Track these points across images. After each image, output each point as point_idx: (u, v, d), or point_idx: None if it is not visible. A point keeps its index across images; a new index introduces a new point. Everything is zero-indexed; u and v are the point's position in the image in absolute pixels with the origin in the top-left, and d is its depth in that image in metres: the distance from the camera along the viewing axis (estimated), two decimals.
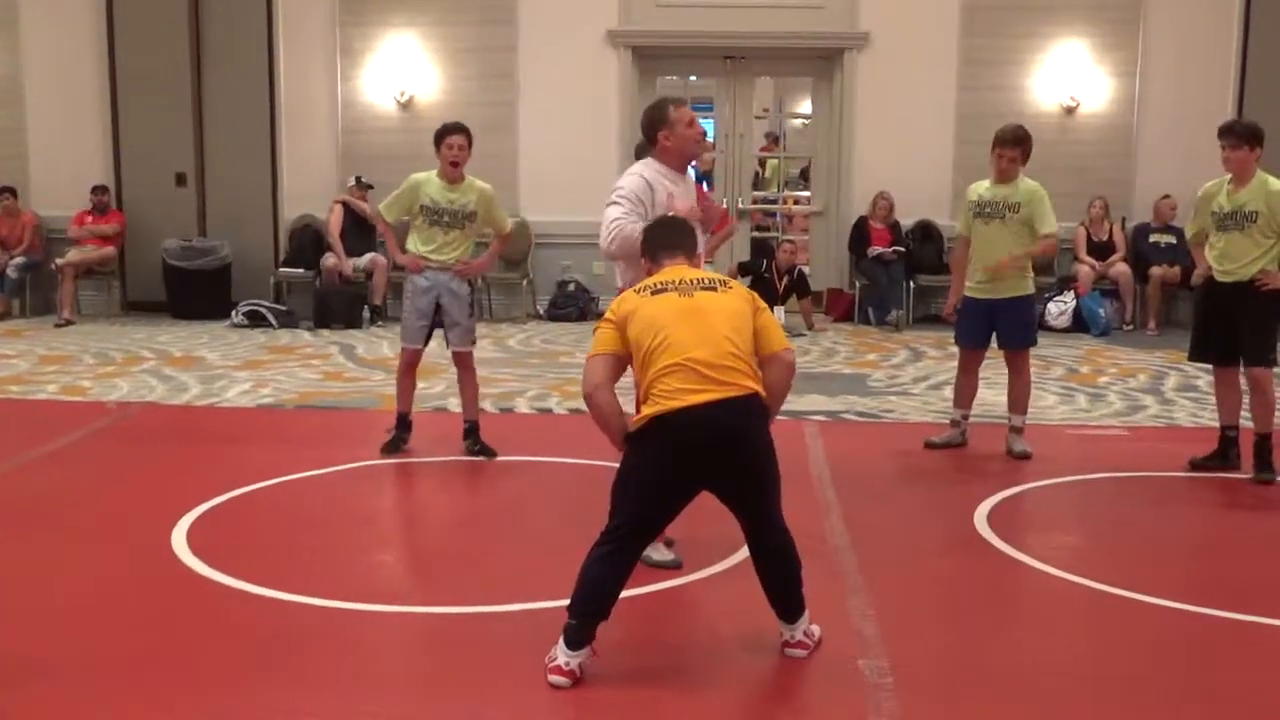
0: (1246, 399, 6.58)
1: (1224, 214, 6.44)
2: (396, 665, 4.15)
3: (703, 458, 3.81)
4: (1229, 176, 6.47)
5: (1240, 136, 6.38)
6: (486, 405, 8.25)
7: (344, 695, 3.79)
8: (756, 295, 4.14)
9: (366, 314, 11.88)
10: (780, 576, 4.02)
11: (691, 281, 4.05)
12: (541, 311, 12.59)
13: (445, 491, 6.39)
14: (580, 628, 3.82)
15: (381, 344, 10.80)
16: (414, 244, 6.62)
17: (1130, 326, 11.96)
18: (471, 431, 6.79)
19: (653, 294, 4.02)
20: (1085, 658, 4.15)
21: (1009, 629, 4.44)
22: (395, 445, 6.71)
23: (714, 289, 4.03)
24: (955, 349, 10.09)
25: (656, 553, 4.80)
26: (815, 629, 4.12)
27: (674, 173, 4.97)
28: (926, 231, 12.46)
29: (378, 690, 3.88)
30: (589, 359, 4.03)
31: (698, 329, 3.88)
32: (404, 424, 6.79)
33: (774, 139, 16.12)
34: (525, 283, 12.68)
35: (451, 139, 6.58)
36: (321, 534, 5.65)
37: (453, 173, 6.57)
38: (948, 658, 4.15)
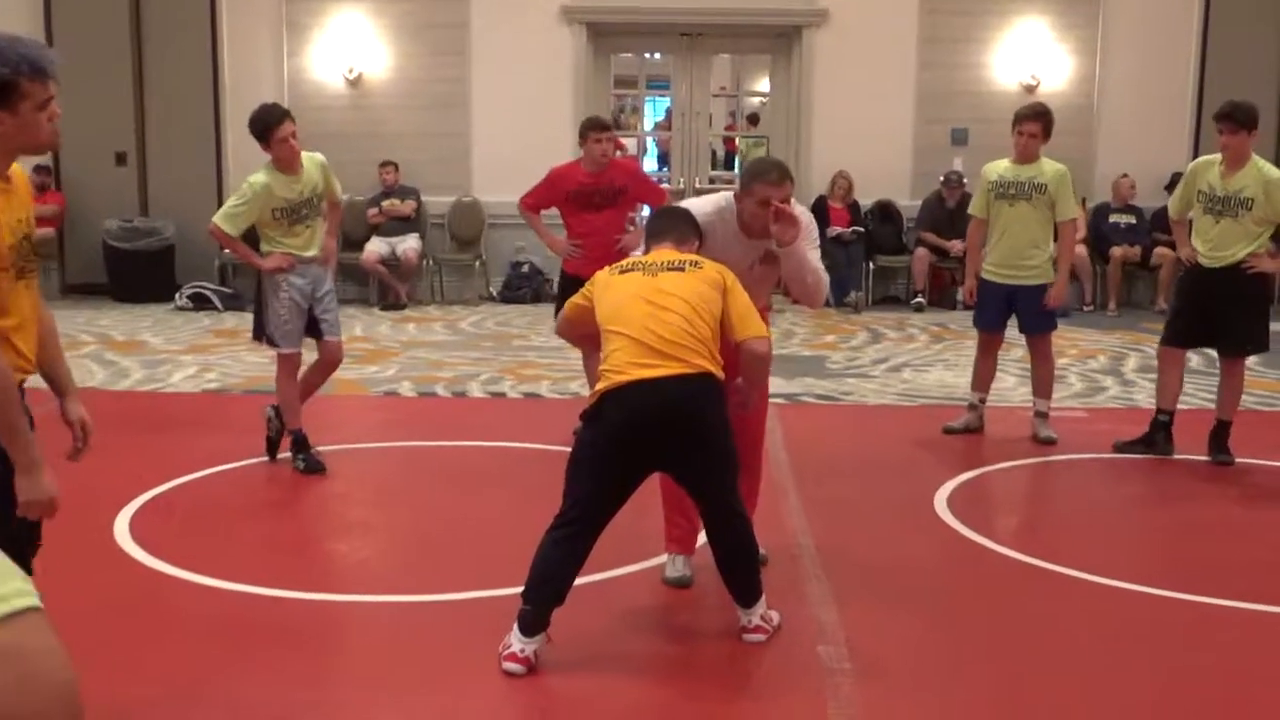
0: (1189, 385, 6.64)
1: (1215, 198, 6.35)
2: (350, 655, 4.15)
3: (650, 433, 3.83)
4: (1219, 156, 6.38)
5: (1240, 122, 6.26)
6: (438, 389, 8.24)
7: (297, 686, 3.79)
8: (732, 278, 4.09)
9: None
10: (735, 561, 4.04)
11: (661, 263, 4.09)
12: (494, 293, 12.55)
13: (397, 478, 6.37)
14: (535, 614, 3.83)
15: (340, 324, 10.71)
16: (271, 246, 6.12)
17: (1090, 308, 12.07)
18: (303, 443, 6.18)
19: (621, 273, 4.13)
20: (1045, 641, 4.20)
21: (969, 613, 4.48)
22: (315, 463, 6.13)
23: (681, 269, 4.05)
24: (914, 331, 10.11)
25: (672, 569, 4.60)
26: (774, 614, 4.15)
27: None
28: (886, 212, 12.52)
29: (331, 680, 3.87)
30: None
31: (654, 307, 3.92)
32: (303, 441, 6.19)
33: (753, 119, 16.07)
34: (478, 264, 12.64)
35: (282, 128, 6.00)
36: (271, 523, 5.63)
37: (293, 162, 6.07)
38: (907, 643, 4.19)
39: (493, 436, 6.89)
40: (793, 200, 4.40)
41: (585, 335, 4.35)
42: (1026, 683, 3.87)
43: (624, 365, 3.85)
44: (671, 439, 3.86)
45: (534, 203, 7.01)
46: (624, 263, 4.23)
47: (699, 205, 4.55)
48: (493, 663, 3.83)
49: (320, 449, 6.25)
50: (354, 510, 5.81)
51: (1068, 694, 3.79)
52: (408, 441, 6.83)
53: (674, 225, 4.33)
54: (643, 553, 4.85)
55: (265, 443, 6.30)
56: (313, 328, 6.27)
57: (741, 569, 4.05)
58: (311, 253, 6.19)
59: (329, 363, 6.40)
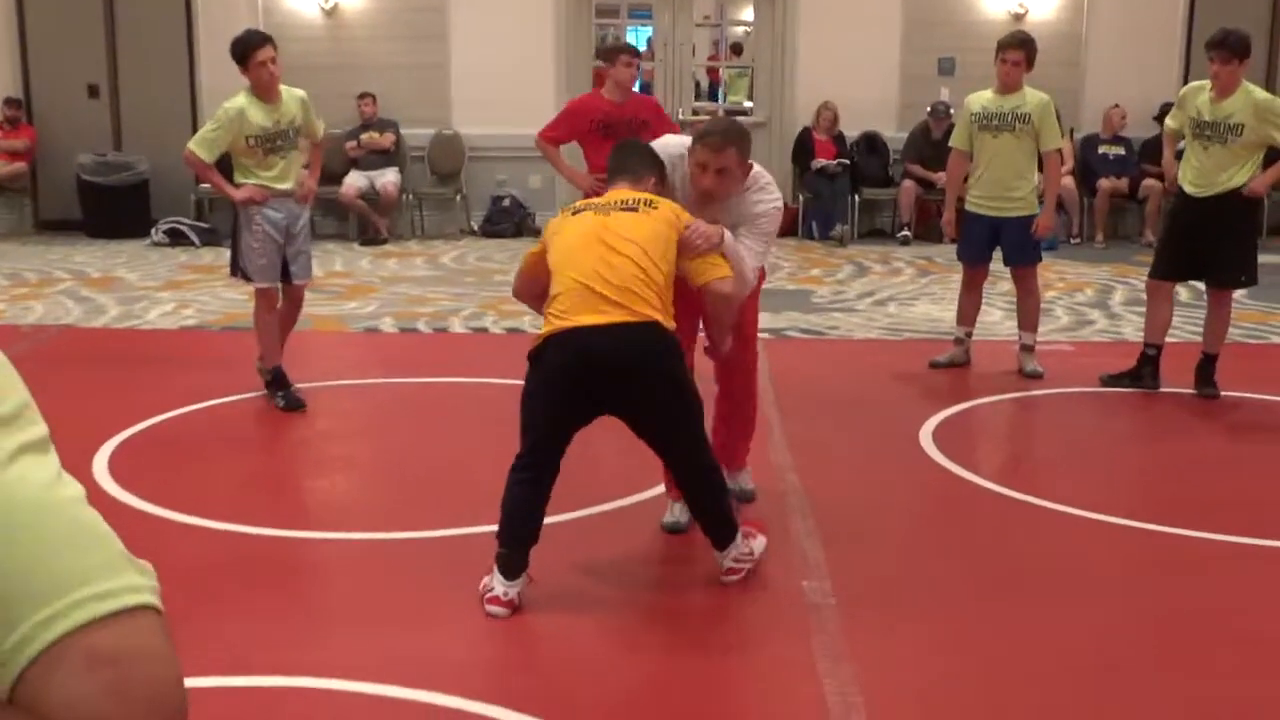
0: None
1: (1203, 123, 6.34)
2: (332, 594, 4.17)
3: (590, 381, 3.79)
4: (1208, 83, 6.36)
5: (1233, 50, 6.23)
6: (419, 325, 8.22)
7: (278, 624, 3.81)
8: (688, 217, 4.02)
9: None
10: (705, 506, 4.01)
11: (614, 202, 3.99)
12: (476, 228, 12.49)
13: (378, 415, 6.37)
14: (511, 555, 3.83)
15: (312, 261, 10.66)
16: (246, 176, 6.09)
17: (1077, 240, 12.06)
18: (282, 380, 6.19)
19: (573, 214, 4.05)
20: (1031, 577, 4.24)
21: (954, 548, 4.52)
22: (294, 400, 6.15)
23: (634, 209, 3.95)
24: (900, 265, 10.13)
25: (670, 515, 4.54)
26: (755, 544, 4.13)
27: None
28: (872, 143, 12.46)
29: (313, 619, 3.89)
30: None
31: (602, 251, 3.84)
32: (283, 378, 6.19)
33: (736, 49, 15.93)
34: (458, 198, 12.56)
35: (262, 52, 5.92)
36: (251, 461, 5.63)
37: (272, 89, 6.02)
38: (892, 578, 4.22)
39: (475, 372, 6.89)
40: (757, 174, 4.24)
41: (543, 294, 4.01)
42: (1012, 617, 3.91)
43: (569, 309, 3.79)
44: (616, 388, 3.80)
45: (556, 135, 6.83)
46: (577, 204, 4.16)
47: (667, 143, 4.46)
48: (472, 597, 3.84)
49: (300, 386, 6.24)
50: (335, 447, 5.81)
51: (1054, 628, 3.83)
52: (389, 378, 6.82)
53: (630, 161, 4.23)
54: (625, 488, 4.87)
55: (265, 386, 6.28)
56: (282, 269, 6.23)
57: (712, 514, 3.99)
58: (286, 186, 6.13)
59: (293, 303, 6.38)
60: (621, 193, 4.07)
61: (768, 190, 4.30)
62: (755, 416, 4.83)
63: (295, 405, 6.11)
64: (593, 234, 3.88)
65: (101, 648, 0.92)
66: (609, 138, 6.51)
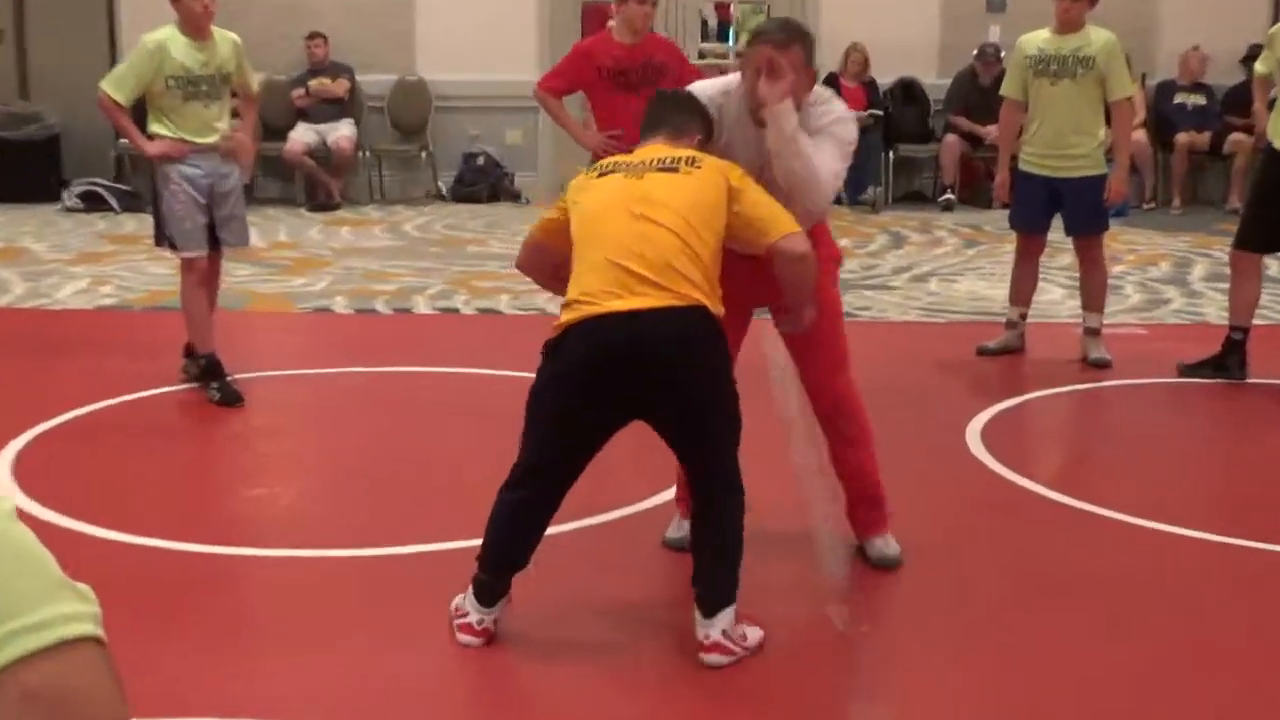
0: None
1: None
2: (275, 620, 4.14)
3: (621, 375, 3.60)
4: None
5: None
6: (378, 305, 8.19)
7: (209, 655, 3.77)
8: (739, 173, 3.85)
9: None
10: (709, 542, 3.73)
11: (649, 162, 3.82)
12: (444, 190, 12.47)
13: (329, 411, 6.35)
14: (492, 582, 3.76)
15: (249, 231, 10.63)
16: (161, 127, 6.08)
17: (1150, 205, 12.05)
18: (216, 369, 6.18)
19: (599, 175, 3.89)
20: (1093, 600, 4.20)
21: (1007, 568, 4.48)
22: (231, 392, 6.09)
23: (673, 169, 3.77)
24: (942, 234, 10.10)
25: (676, 530, 4.47)
26: (751, 632, 3.75)
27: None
28: (909, 92, 12.44)
29: (258, 651, 3.87)
30: None
31: (639, 221, 3.67)
32: (217, 366, 6.17)
33: None
34: (424, 156, 12.53)
35: None
36: (181, 465, 5.60)
37: (203, 26, 6.02)
38: (932, 604, 4.19)
39: (444, 361, 6.87)
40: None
41: (558, 269, 3.91)
42: (1076, 655, 3.87)
43: (596, 293, 3.61)
44: (649, 385, 3.62)
45: (560, 84, 6.76)
46: (604, 163, 3.98)
47: (704, 86, 4.27)
48: (441, 625, 3.80)
49: (238, 377, 6.21)
50: (280, 449, 5.79)
51: (1118, 660, 3.79)
52: (342, 368, 6.80)
53: (670, 113, 4.03)
54: (627, 494, 4.84)
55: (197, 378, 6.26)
56: (209, 234, 6.20)
57: (717, 556, 3.71)
58: (208, 140, 6.12)
59: (213, 275, 6.38)
60: (657, 149, 3.89)
61: (835, 103, 4.16)
62: (866, 426, 4.47)
63: (232, 399, 6.07)
64: (623, 201, 3.73)
65: (36, 687, 0.93)
66: (620, 87, 6.46)
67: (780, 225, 3.76)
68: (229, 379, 6.15)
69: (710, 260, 3.69)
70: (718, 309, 3.68)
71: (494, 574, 3.75)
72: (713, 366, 3.70)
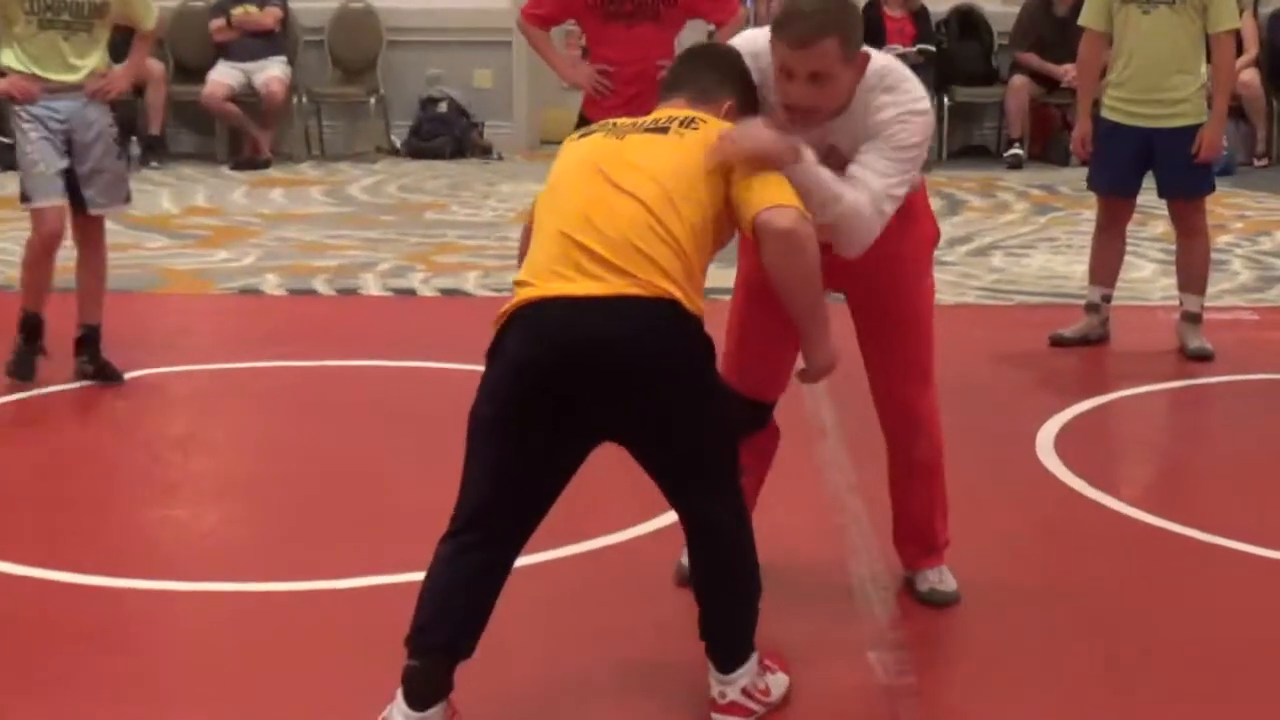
0: None
1: None
2: (191, 669, 4.15)
3: (565, 384, 3.39)
4: None
5: None
6: (317, 284, 8.20)
7: (115, 711, 3.79)
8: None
9: (135, 150, 11.69)
10: (713, 595, 3.65)
11: (639, 122, 3.71)
12: (398, 144, 12.49)
13: (257, 413, 6.37)
14: (426, 671, 3.44)
15: (159, 194, 10.67)
16: (14, 60, 6.22)
17: (1263, 161, 12.07)
18: (90, 341, 6.44)
19: (581, 136, 3.83)
20: (1195, 646, 4.22)
21: (1083, 604, 4.49)
22: (26, 365, 6.33)
23: (663, 130, 3.63)
24: (1008, 198, 10.10)
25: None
26: (776, 681, 3.74)
27: None
28: (967, 23, 12.46)
29: (159, 707, 3.88)
30: None
31: (605, 187, 3.53)
32: (35, 328, 6.41)
33: None
34: (373, 101, 12.54)
35: None
36: (75, 481, 5.61)
37: None
38: (992, 649, 4.21)
39: (397, 353, 6.89)
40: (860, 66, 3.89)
41: None
42: (1163, 700, 3.90)
43: (541, 270, 3.48)
44: (598, 399, 3.43)
45: (544, 12, 6.83)
46: (600, 123, 3.86)
47: (752, 38, 4.06)
48: (388, 666, 3.74)
49: (147, 372, 6.23)
50: (194, 459, 5.81)
51: (1220, 712, 3.82)
52: (273, 360, 6.81)
53: (699, 72, 3.86)
54: (620, 519, 4.86)
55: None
56: (74, 194, 6.27)
57: (725, 608, 3.65)
58: (65, 78, 6.20)
59: (92, 242, 6.46)
60: (668, 110, 3.77)
61: (900, 89, 3.97)
62: (943, 481, 4.53)
63: (25, 374, 6.26)
64: (591, 162, 3.62)
65: None
66: (614, 18, 6.53)
67: (768, 195, 3.53)
68: (41, 344, 6.34)
69: (688, 240, 3.49)
70: (695, 304, 3.49)
71: (425, 658, 3.45)
72: (685, 381, 3.48)
